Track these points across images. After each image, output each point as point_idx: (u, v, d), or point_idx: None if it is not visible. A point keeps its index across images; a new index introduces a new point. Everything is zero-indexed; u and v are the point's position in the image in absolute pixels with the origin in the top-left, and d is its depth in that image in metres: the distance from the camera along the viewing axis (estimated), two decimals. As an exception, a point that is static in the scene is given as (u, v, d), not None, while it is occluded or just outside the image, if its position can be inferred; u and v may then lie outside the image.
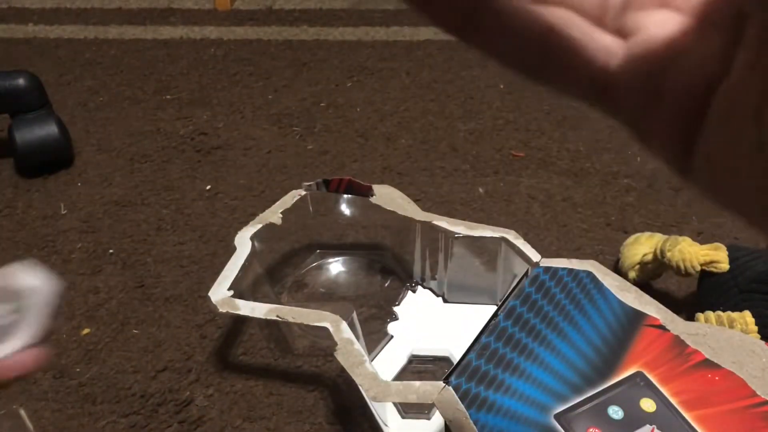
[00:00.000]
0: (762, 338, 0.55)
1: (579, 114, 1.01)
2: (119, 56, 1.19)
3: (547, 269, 0.54)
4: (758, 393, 0.46)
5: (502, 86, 1.08)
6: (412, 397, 0.48)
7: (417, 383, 0.49)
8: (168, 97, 1.06)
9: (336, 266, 0.75)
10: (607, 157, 0.91)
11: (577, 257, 0.74)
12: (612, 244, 0.77)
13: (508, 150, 0.93)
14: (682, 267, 0.63)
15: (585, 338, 0.51)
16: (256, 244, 0.65)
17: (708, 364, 0.49)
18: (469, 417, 0.44)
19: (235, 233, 0.78)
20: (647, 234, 0.69)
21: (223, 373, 0.63)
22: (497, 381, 0.47)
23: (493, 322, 0.50)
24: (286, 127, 0.98)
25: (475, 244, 0.63)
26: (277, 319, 0.55)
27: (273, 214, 0.68)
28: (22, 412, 0.53)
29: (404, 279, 0.72)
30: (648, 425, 0.46)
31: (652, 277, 0.68)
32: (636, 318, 0.52)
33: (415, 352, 0.63)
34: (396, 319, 0.67)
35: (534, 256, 0.59)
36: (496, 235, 0.62)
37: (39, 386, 0.62)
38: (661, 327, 0.51)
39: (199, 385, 0.62)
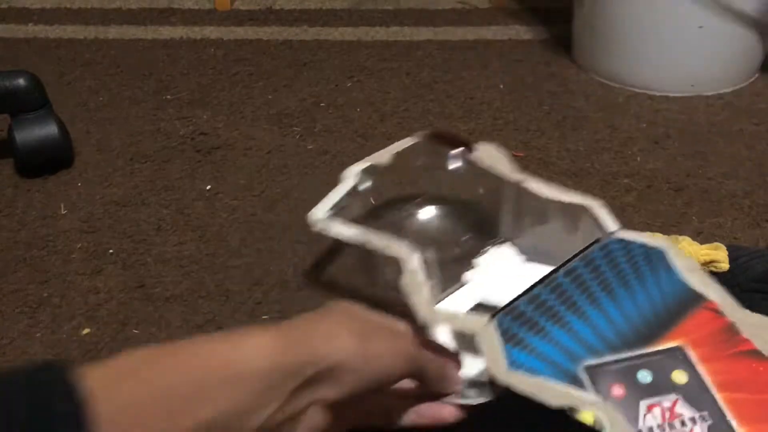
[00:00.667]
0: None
1: (579, 114, 1.01)
2: (119, 56, 1.19)
3: (621, 240, 0.56)
4: None
5: (501, 86, 1.08)
6: (456, 324, 0.51)
7: (464, 313, 0.52)
8: (168, 97, 1.06)
9: (429, 213, 0.74)
10: (606, 157, 0.91)
11: (576, 257, 0.74)
12: (612, 244, 0.77)
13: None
14: (682, 267, 0.63)
15: (636, 306, 0.52)
16: (360, 179, 0.68)
17: (756, 354, 0.48)
18: (503, 350, 0.48)
19: (236, 233, 0.79)
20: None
21: (222, 373, 0.63)
22: (538, 326, 0.50)
23: (551, 276, 0.53)
24: (286, 127, 0.99)
25: (560, 208, 0.63)
26: (359, 243, 0.59)
27: (385, 155, 0.69)
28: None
29: (491, 234, 0.71)
30: (674, 395, 0.46)
31: None
32: (694, 298, 0.52)
33: (483, 301, 0.63)
34: (472, 269, 0.67)
35: (612, 226, 0.59)
36: (581, 202, 0.62)
37: (39, 386, 0.62)
38: (718, 311, 0.51)
39: (198, 385, 0.62)
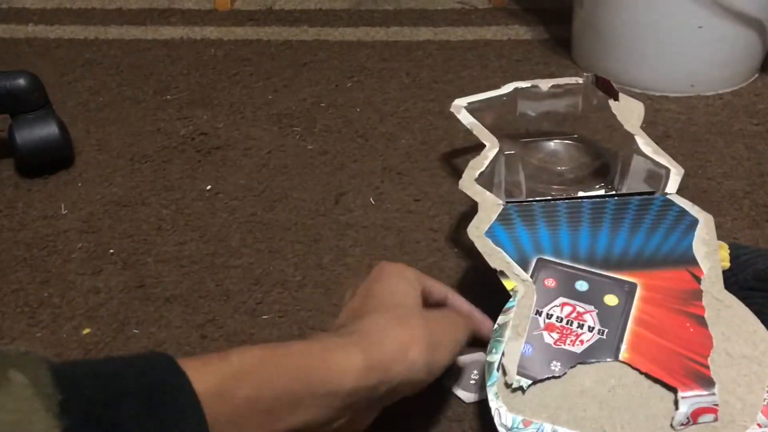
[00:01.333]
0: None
1: (578, 114, 1.01)
2: (119, 56, 1.19)
3: (667, 200, 0.64)
4: (704, 358, 0.50)
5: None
6: (477, 198, 0.65)
7: (487, 193, 0.66)
8: (168, 97, 1.07)
9: (553, 146, 0.88)
10: (607, 157, 0.91)
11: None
12: (612, 243, 0.77)
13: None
14: (682, 266, 0.63)
15: (627, 243, 0.59)
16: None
17: (698, 319, 0.53)
18: (490, 223, 0.61)
19: (236, 233, 0.79)
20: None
21: None
22: (532, 222, 0.61)
23: (574, 197, 0.64)
24: (286, 127, 0.99)
25: (648, 166, 0.71)
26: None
27: (545, 83, 0.84)
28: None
29: (609, 181, 0.81)
30: (593, 308, 0.54)
31: None
32: (686, 261, 0.58)
33: None
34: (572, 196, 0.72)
35: (672, 189, 0.67)
36: (664, 163, 0.70)
37: (39, 386, 0.62)
38: (697, 278, 0.56)
39: (199, 384, 0.62)
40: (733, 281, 0.59)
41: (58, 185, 0.87)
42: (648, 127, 0.98)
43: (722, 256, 0.61)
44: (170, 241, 0.78)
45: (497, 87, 1.08)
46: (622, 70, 1.06)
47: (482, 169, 0.70)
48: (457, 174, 0.89)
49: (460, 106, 0.82)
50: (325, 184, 0.87)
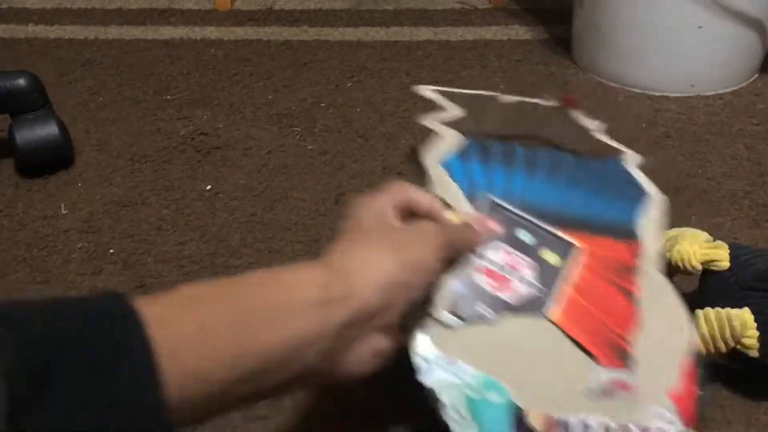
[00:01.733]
0: (761, 334, 0.55)
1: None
2: (119, 56, 1.19)
3: (624, 170, 0.64)
4: (629, 334, 0.51)
5: (501, 86, 1.08)
6: (439, 129, 0.63)
7: (446, 129, 0.63)
8: (168, 97, 1.07)
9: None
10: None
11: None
12: (612, 243, 0.77)
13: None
14: (681, 266, 0.63)
15: (581, 206, 0.59)
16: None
17: (628, 294, 0.54)
18: (446, 154, 0.59)
19: (236, 233, 0.79)
20: (675, 230, 0.68)
21: None
22: (490, 161, 0.60)
23: (544, 151, 0.63)
24: (286, 127, 0.99)
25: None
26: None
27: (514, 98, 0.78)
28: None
29: None
30: (532, 260, 0.54)
31: (670, 273, 0.67)
32: (630, 234, 0.58)
33: None
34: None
35: (635, 160, 0.67)
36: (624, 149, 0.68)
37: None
38: (636, 254, 0.57)
39: None
40: (732, 281, 0.59)
41: (58, 185, 0.87)
42: (648, 127, 0.98)
43: (722, 256, 0.61)
44: (170, 241, 0.78)
45: (497, 87, 1.09)
46: (622, 70, 1.06)
47: (450, 113, 0.67)
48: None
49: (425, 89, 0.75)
50: (325, 184, 0.87)
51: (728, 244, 0.63)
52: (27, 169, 0.89)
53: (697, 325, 0.57)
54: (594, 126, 0.71)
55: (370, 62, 1.16)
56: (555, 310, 0.52)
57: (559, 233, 0.56)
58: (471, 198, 0.56)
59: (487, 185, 0.57)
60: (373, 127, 0.99)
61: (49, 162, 0.89)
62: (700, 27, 1.00)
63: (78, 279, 0.73)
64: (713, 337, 0.57)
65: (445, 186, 0.56)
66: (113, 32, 1.26)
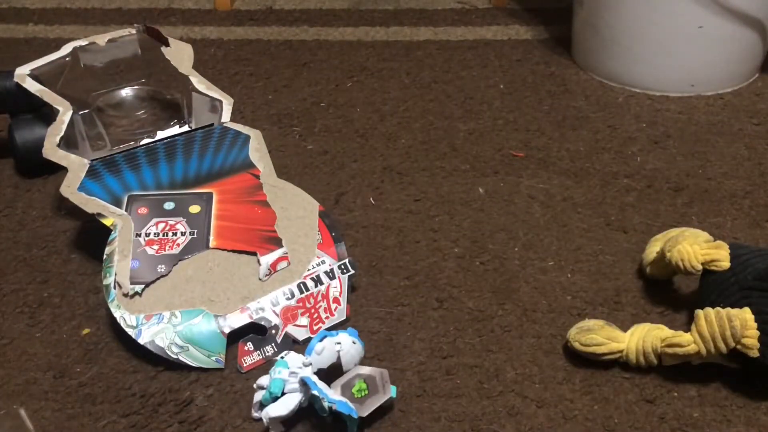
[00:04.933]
0: (761, 334, 0.55)
1: (578, 114, 1.01)
2: (119, 56, 1.18)
3: (224, 127, 0.81)
4: (272, 227, 0.70)
5: (501, 86, 1.08)
6: (63, 162, 0.75)
7: (68, 154, 0.76)
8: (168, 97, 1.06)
9: (127, 92, 0.95)
10: (606, 157, 0.91)
11: (576, 256, 0.75)
12: (612, 243, 0.77)
13: (508, 150, 0.93)
14: (681, 266, 0.63)
15: (199, 166, 0.76)
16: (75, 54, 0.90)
17: (263, 204, 0.73)
18: (79, 180, 0.72)
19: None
20: (676, 230, 0.68)
21: (222, 373, 0.63)
22: (118, 170, 0.74)
23: (156, 143, 0.78)
24: (286, 127, 0.98)
25: (208, 100, 0.85)
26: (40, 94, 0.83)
27: (102, 38, 0.91)
28: (22, 412, 0.53)
29: (181, 117, 0.90)
30: (182, 218, 0.70)
31: (670, 273, 0.68)
32: (246, 166, 0.77)
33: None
34: (152, 137, 0.86)
35: (226, 118, 0.82)
36: (217, 96, 0.85)
37: (39, 386, 0.62)
38: (256, 176, 0.76)
39: (198, 385, 0.62)
40: (732, 281, 0.59)
41: (57, 185, 0.87)
42: (648, 126, 0.98)
43: (722, 256, 0.62)
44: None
45: (497, 87, 1.09)
46: (623, 70, 1.06)
47: (61, 134, 0.78)
48: (457, 174, 0.89)
49: (23, 75, 0.85)
50: (326, 183, 0.87)
51: (728, 244, 0.63)
52: (26, 169, 0.89)
53: (698, 325, 0.57)
54: (186, 69, 0.88)
55: (370, 62, 1.16)
56: (213, 240, 0.69)
57: (195, 191, 0.73)
58: (116, 203, 0.71)
59: (123, 187, 0.73)
60: (373, 126, 0.99)
61: (48, 162, 0.88)
62: (700, 27, 1.00)
63: (78, 279, 0.73)
64: (713, 337, 0.57)
65: (90, 204, 0.70)
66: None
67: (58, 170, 0.89)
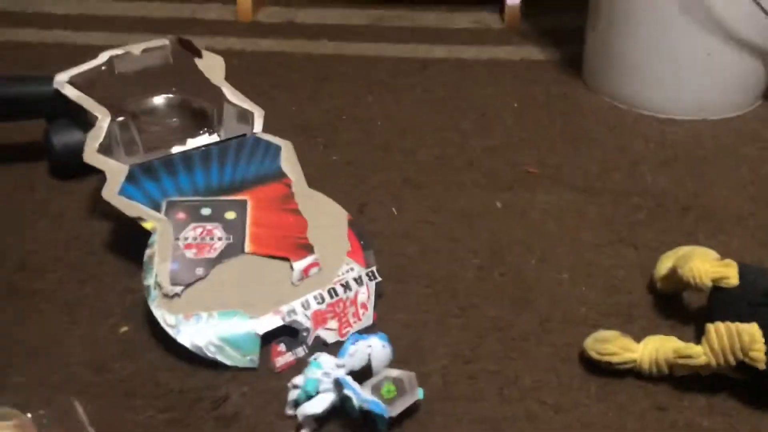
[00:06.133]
0: (769, 349, 0.59)
1: (589, 134, 1.05)
2: (144, 64, 1.22)
3: (257, 138, 0.85)
4: (304, 234, 0.74)
5: (515, 105, 1.12)
6: (103, 167, 0.79)
7: (110, 161, 0.81)
8: (193, 105, 1.10)
9: (159, 100, 0.97)
10: (617, 177, 0.95)
11: (589, 270, 0.78)
12: (623, 259, 0.80)
13: (522, 166, 0.97)
14: (693, 282, 0.66)
15: (233, 174, 0.80)
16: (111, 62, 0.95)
17: (295, 212, 0.77)
18: (120, 184, 0.76)
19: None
20: (686, 248, 0.72)
21: (257, 372, 0.66)
22: (156, 176, 0.78)
23: (186, 151, 0.83)
24: (310, 138, 1.02)
25: (237, 111, 0.90)
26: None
27: (137, 47, 0.97)
28: (77, 404, 0.56)
29: (210, 126, 0.92)
30: (218, 224, 0.74)
31: (679, 288, 0.71)
32: (278, 175, 0.81)
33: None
34: (183, 144, 0.89)
35: (258, 129, 0.87)
36: (250, 108, 0.89)
37: (80, 380, 0.65)
38: (289, 185, 0.80)
39: (234, 383, 0.65)
40: (741, 297, 0.63)
41: (92, 189, 0.90)
42: (656, 148, 1.02)
43: (731, 274, 0.65)
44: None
45: (510, 105, 1.13)
46: (632, 93, 1.10)
47: (101, 139, 0.82)
48: (474, 188, 0.93)
49: (63, 82, 0.89)
50: (349, 194, 0.90)
51: (737, 263, 0.66)
52: (62, 172, 0.92)
53: (708, 338, 0.61)
54: (218, 80, 0.93)
55: (387, 77, 1.20)
56: (249, 246, 0.72)
57: (230, 198, 0.77)
58: (154, 207, 0.74)
59: (162, 193, 0.76)
60: (392, 140, 1.02)
61: (83, 166, 0.91)
62: (708, 54, 1.04)
63: (114, 280, 0.76)
64: (723, 350, 0.60)
65: (131, 208, 0.74)
66: (137, 40, 1.29)
67: (91, 174, 0.93)
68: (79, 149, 0.90)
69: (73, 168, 0.91)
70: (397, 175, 0.95)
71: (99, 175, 0.92)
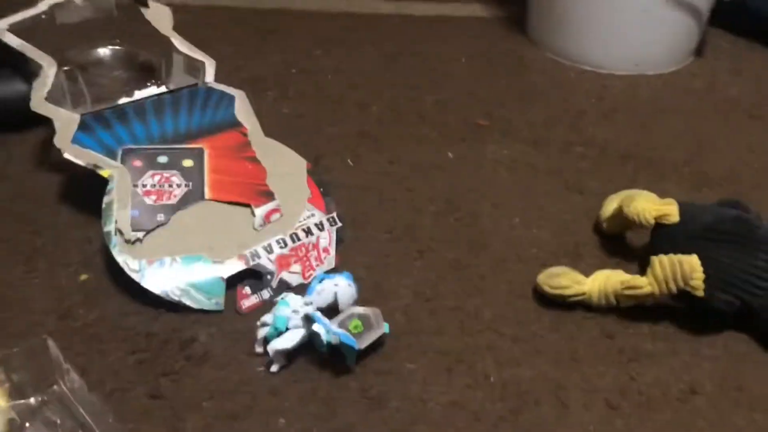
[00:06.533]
0: (706, 278, 0.64)
1: (535, 89, 1.09)
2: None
3: (209, 87, 0.84)
4: (264, 181, 0.75)
5: (463, 60, 1.15)
6: (52, 116, 0.77)
7: (57, 108, 0.78)
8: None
9: (102, 54, 0.96)
10: (562, 128, 0.99)
11: (540, 215, 0.82)
12: (570, 204, 0.84)
13: (472, 119, 1.00)
14: (637, 220, 0.71)
15: (188, 123, 0.80)
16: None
17: (253, 159, 0.77)
18: (71, 133, 0.74)
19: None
20: (630, 191, 0.77)
21: (223, 315, 0.67)
22: (109, 125, 0.77)
23: (143, 100, 0.81)
24: (260, 91, 1.01)
25: (185, 61, 0.89)
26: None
27: None
28: (50, 342, 0.55)
29: (158, 78, 0.91)
30: (176, 171, 0.74)
31: (623, 228, 0.76)
32: (234, 124, 0.81)
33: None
34: (130, 96, 0.86)
35: (210, 79, 0.86)
36: (200, 57, 0.88)
37: (44, 327, 0.64)
38: (245, 134, 0.80)
39: (201, 325, 0.65)
40: (682, 232, 0.68)
41: (37, 141, 0.87)
42: (597, 101, 1.06)
43: (672, 211, 0.70)
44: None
45: (458, 60, 1.15)
46: (573, 48, 1.14)
47: (48, 87, 0.80)
48: (427, 140, 0.95)
49: (2, 29, 0.86)
50: (304, 146, 0.91)
51: (677, 202, 0.71)
52: (2, 124, 0.89)
53: (653, 269, 0.66)
54: (166, 30, 0.91)
55: (336, 33, 1.20)
56: (208, 192, 0.73)
57: (186, 146, 0.77)
58: (110, 155, 0.74)
59: (116, 141, 0.76)
60: (344, 94, 1.03)
61: (25, 118, 0.88)
62: (644, 10, 1.09)
63: (70, 231, 0.75)
64: (666, 280, 0.65)
65: (86, 155, 0.73)
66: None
67: (34, 126, 0.90)
68: (21, 99, 0.87)
69: (14, 120, 0.88)
70: (351, 128, 0.96)
71: (41, 127, 0.90)
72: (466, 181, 0.87)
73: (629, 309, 0.69)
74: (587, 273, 0.71)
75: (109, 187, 0.71)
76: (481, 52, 1.17)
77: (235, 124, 0.81)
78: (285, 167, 0.78)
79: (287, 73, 1.07)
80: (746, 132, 1.01)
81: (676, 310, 0.69)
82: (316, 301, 0.63)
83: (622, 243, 0.78)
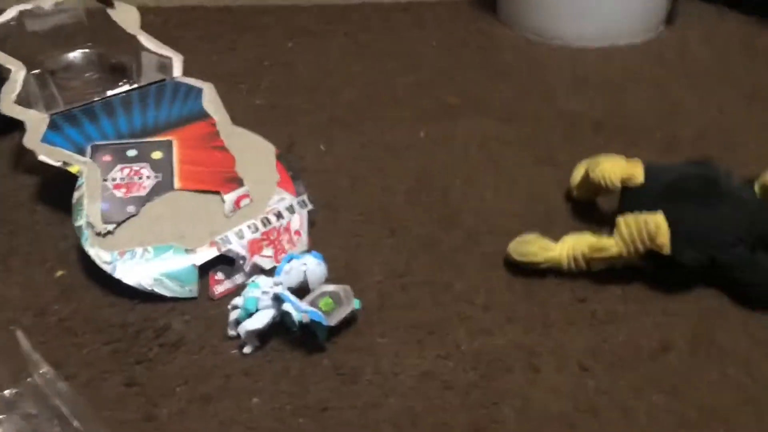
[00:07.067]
0: (672, 235, 0.64)
1: (507, 67, 1.09)
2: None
3: (177, 82, 0.85)
4: (233, 169, 0.75)
5: (434, 43, 1.15)
6: (22, 117, 0.78)
7: (29, 111, 0.80)
8: (113, 61, 1.08)
9: (72, 57, 0.98)
10: (533, 103, 0.99)
11: (511, 188, 0.82)
12: (541, 176, 0.85)
13: (444, 99, 1.00)
14: (603, 183, 0.71)
15: (156, 117, 0.81)
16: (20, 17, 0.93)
17: (222, 149, 0.78)
18: (42, 133, 0.76)
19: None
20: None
21: (197, 301, 0.67)
22: (78, 123, 0.78)
23: (111, 97, 0.83)
24: (232, 84, 1.02)
25: (157, 60, 0.90)
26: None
27: (47, 2, 0.94)
28: (19, 333, 0.56)
29: (129, 77, 0.94)
30: (145, 163, 0.75)
31: (593, 194, 0.76)
32: (202, 115, 0.82)
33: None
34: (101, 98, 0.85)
35: (177, 73, 0.87)
36: (168, 54, 0.89)
37: (20, 324, 0.65)
38: (213, 125, 0.81)
39: (175, 313, 0.66)
40: (647, 192, 0.68)
41: (10, 146, 0.88)
42: (569, 74, 1.06)
43: (637, 172, 0.70)
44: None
45: (430, 44, 1.15)
46: (545, 26, 1.15)
47: (17, 91, 0.81)
48: (400, 122, 0.95)
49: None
50: (276, 134, 0.91)
51: (643, 162, 0.72)
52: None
53: (619, 229, 0.66)
54: (134, 29, 0.92)
55: (309, 25, 1.20)
56: (178, 182, 0.73)
57: (155, 138, 0.78)
58: (80, 152, 0.75)
59: (86, 139, 0.77)
60: (317, 83, 1.04)
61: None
62: (612, -17, 1.09)
63: (46, 229, 0.76)
64: (632, 239, 0.65)
65: (55, 153, 0.74)
66: None
67: (8, 132, 0.91)
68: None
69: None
70: (323, 115, 0.97)
71: (16, 132, 0.91)
72: (437, 159, 0.88)
73: (601, 273, 0.69)
74: (559, 240, 0.71)
75: (78, 183, 0.72)
76: (452, 34, 1.17)
77: (204, 116, 0.82)
78: (253, 153, 0.78)
79: (260, 67, 1.08)
80: (716, 95, 1.01)
81: (648, 271, 0.69)
82: (285, 281, 0.64)
83: (594, 209, 0.79)
